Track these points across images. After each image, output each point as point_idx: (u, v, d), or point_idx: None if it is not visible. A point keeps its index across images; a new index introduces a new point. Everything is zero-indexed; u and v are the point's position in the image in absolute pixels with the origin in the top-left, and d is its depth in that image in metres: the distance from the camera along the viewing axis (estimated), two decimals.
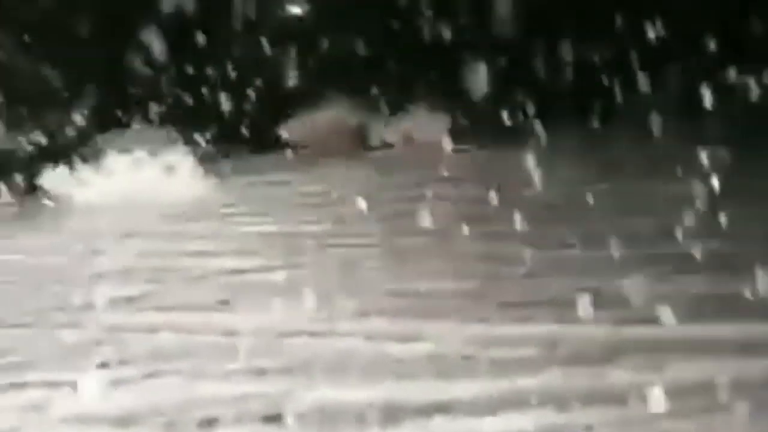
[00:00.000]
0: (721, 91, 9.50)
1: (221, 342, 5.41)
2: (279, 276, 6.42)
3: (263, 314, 5.70)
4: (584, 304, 5.15)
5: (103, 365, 5.18)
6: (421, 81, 10.92)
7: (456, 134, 10.31)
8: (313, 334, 5.38)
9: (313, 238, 7.25)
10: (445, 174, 9.02)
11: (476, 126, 10.44)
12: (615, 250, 6.16)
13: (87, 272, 6.72)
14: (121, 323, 5.74)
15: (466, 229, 7.08)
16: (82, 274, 6.67)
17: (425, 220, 7.40)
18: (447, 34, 10.91)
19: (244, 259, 6.80)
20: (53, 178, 8.57)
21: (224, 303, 5.98)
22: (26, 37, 10.65)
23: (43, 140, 10.25)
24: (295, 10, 11.98)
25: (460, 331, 5.15)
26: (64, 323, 5.79)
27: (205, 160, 9.18)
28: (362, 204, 8.00)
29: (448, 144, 10.07)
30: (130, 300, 6.14)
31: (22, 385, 4.93)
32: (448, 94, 10.81)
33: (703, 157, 7.91)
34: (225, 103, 10.56)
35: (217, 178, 9.05)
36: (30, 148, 10.44)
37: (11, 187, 9.03)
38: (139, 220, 7.92)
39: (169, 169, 8.80)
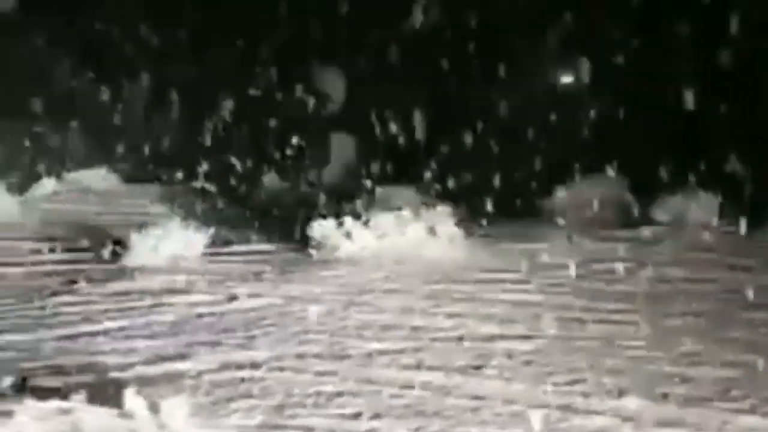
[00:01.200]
0: None
1: (471, 406, 5.47)
2: (528, 346, 6.41)
3: (508, 384, 5.72)
4: None
5: (356, 416, 5.34)
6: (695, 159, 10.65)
7: (725, 213, 9.97)
8: (562, 407, 5.36)
9: (574, 311, 7.17)
10: (712, 255, 8.75)
11: (745, 206, 10.05)
12: None
13: (346, 324, 6.93)
14: (377, 377, 5.88)
15: (729, 312, 6.85)
16: (342, 326, 6.89)
17: (689, 301, 7.23)
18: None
19: (502, 326, 6.82)
20: (321, 229, 8.92)
21: (477, 368, 6.02)
22: None
23: (313, 191, 10.79)
24: (566, 78, 12.01)
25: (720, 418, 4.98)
26: (321, 371, 6.00)
27: (465, 223, 9.29)
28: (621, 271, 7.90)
29: (716, 224, 9.76)
30: (386, 354, 6.28)
31: (281, 427, 5.16)
32: (720, 174, 10.50)
33: None
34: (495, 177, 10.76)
35: (478, 241, 9.14)
36: (300, 197, 10.99)
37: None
38: (402, 277, 8.11)
39: (432, 229, 8.97)
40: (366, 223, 8.97)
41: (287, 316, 7.15)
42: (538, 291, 7.73)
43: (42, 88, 12.72)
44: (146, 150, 12.99)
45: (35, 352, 6.36)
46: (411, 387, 5.73)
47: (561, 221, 9.85)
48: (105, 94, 13.04)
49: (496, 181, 10.78)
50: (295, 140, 11.98)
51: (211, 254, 8.90)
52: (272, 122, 12.22)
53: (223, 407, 5.44)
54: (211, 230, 9.09)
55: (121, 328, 6.88)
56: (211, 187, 11.63)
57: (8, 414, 4.61)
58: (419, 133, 11.45)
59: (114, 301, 7.54)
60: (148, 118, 12.91)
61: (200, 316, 7.16)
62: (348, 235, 8.88)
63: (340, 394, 5.65)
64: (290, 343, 6.53)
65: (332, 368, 6.05)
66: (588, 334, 6.68)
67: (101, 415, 4.83)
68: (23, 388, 5.18)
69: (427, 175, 11.04)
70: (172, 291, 7.81)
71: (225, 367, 6.09)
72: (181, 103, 12.72)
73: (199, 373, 5.97)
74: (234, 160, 12.16)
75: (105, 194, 12.58)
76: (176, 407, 4.92)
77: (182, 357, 6.25)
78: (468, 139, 11.36)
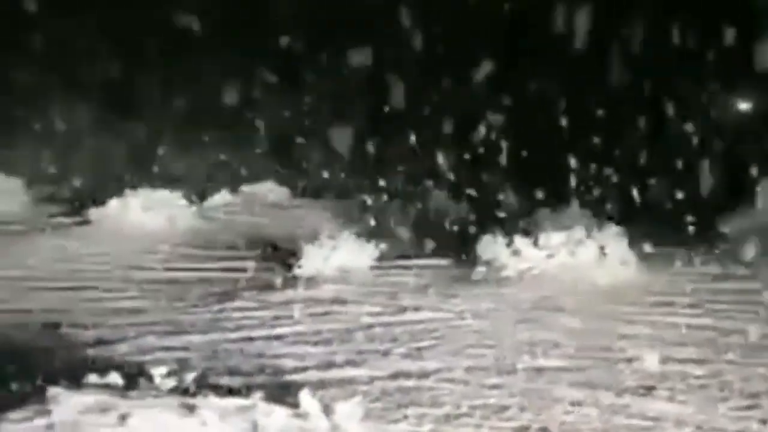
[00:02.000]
0: None
1: (642, 426, 5.45)
2: (701, 370, 6.32)
3: (681, 407, 5.68)
4: None
5: (523, 430, 5.40)
6: None
7: None
8: None
9: (750, 336, 7.03)
10: None
11: None
12: None
13: (514, 340, 6.98)
14: (544, 392, 5.92)
15: None
16: (509, 342, 6.94)
17: None
18: None
19: (674, 350, 6.74)
20: (490, 245, 8.99)
21: (648, 389, 5.98)
22: None
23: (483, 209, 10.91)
24: (744, 105, 11.80)
25: None
26: (489, 384, 6.07)
27: (635, 244, 9.19)
28: None
29: None
30: (552, 371, 6.30)
31: None
32: None
33: None
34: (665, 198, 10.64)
35: (650, 264, 9.03)
36: (469, 214, 11.11)
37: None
38: (569, 297, 8.10)
39: (603, 249, 8.91)
40: (535, 242, 8.99)
41: (455, 329, 7.26)
42: (712, 315, 7.60)
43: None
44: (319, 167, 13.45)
45: (214, 353, 6.65)
46: (579, 404, 5.74)
47: (740, 247, 9.62)
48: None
49: (669, 204, 10.65)
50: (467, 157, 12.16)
51: (380, 267, 9.09)
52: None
53: (393, 414, 5.58)
54: (381, 244, 9.29)
55: (295, 334, 7.11)
56: (379, 202, 11.89)
57: (192, 408, 4.84)
58: (593, 158, 11.44)
59: (287, 308, 7.79)
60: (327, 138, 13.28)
61: (370, 326, 7.33)
62: (517, 252, 8.92)
63: (507, 407, 5.71)
64: (458, 355, 6.63)
65: (499, 382, 6.12)
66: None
67: (278, 414, 5.01)
68: (205, 385, 5.41)
69: (598, 195, 11.00)
70: (343, 301, 8.02)
71: (395, 375, 6.23)
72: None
73: (371, 380, 6.12)
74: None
75: (275, 207, 12.99)
76: (350, 411, 5.06)
77: (354, 364, 6.42)
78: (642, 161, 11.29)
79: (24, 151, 13.39)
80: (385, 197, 12.11)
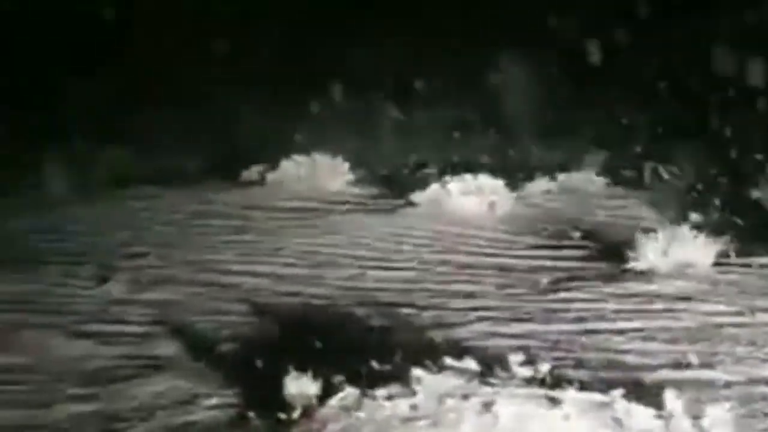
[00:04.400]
0: None
1: None
2: None
3: None
4: None
5: None
6: None
7: None
8: None
9: None
10: None
11: None
12: None
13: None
14: None
15: None
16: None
17: None
18: None
19: None
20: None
21: None
22: None
23: None
24: None
25: None
26: None
27: None
28: None
29: None
30: None
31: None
32: None
33: None
34: None
35: None
36: None
37: None
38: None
39: None
40: None
41: None
42: None
43: None
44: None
45: (556, 344, 6.52)
46: None
47: None
48: None
49: None
50: None
51: (724, 264, 8.64)
52: None
53: (760, 423, 5.25)
54: (724, 239, 8.85)
55: (638, 330, 6.86)
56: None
57: (555, 401, 4.74)
58: None
59: (625, 302, 7.55)
60: None
61: (719, 326, 6.97)
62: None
63: None
64: None
65: None
66: None
67: (640, 413, 4.82)
68: (559, 377, 5.29)
69: None
70: (685, 298, 7.68)
71: (753, 381, 5.88)
72: None
73: (727, 384, 5.81)
74: None
75: (595, 196, 12.71)
76: (720, 416, 4.80)
77: (707, 366, 6.11)
78: None
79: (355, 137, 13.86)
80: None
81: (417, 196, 11.57)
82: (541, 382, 5.03)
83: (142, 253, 9.11)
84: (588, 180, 13.43)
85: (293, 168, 12.43)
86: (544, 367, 5.20)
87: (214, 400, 5.69)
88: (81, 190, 11.78)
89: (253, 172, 12.61)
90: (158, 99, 14.43)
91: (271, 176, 12.34)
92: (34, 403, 5.75)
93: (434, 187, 11.73)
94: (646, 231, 8.98)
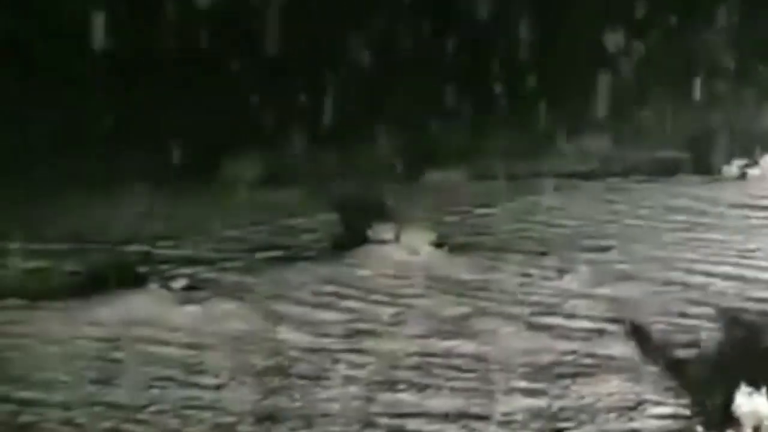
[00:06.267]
0: None
1: None
2: None
3: None
4: None
5: None
6: None
7: None
8: None
9: None
10: None
11: None
12: None
13: None
14: None
15: None
16: None
17: None
18: None
19: None
20: None
21: None
22: None
23: None
24: None
25: None
26: None
27: None
28: None
29: None
30: None
31: None
32: None
33: None
34: None
35: None
36: None
37: None
38: None
39: None
40: None
41: None
42: None
43: None
44: None
45: None
46: None
47: None
48: None
49: None
50: None
51: None
52: None
53: None
54: None
55: None
56: None
57: None
58: None
59: None
60: None
61: None
62: None
63: None
64: None
65: None
66: None
67: None
68: None
69: None
70: None
71: None
72: None
73: None
74: None
75: None
76: None
77: None
78: None
79: None
80: None
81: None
82: None
83: (605, 246, 8.93)
84: None
85: None
86: None
87: (661, 409, 5.41)
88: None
89: (733, 167, 11.99)
90: None
91: (752, 172, 11.66)
92: (480, 391, 5.79)
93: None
94: None
